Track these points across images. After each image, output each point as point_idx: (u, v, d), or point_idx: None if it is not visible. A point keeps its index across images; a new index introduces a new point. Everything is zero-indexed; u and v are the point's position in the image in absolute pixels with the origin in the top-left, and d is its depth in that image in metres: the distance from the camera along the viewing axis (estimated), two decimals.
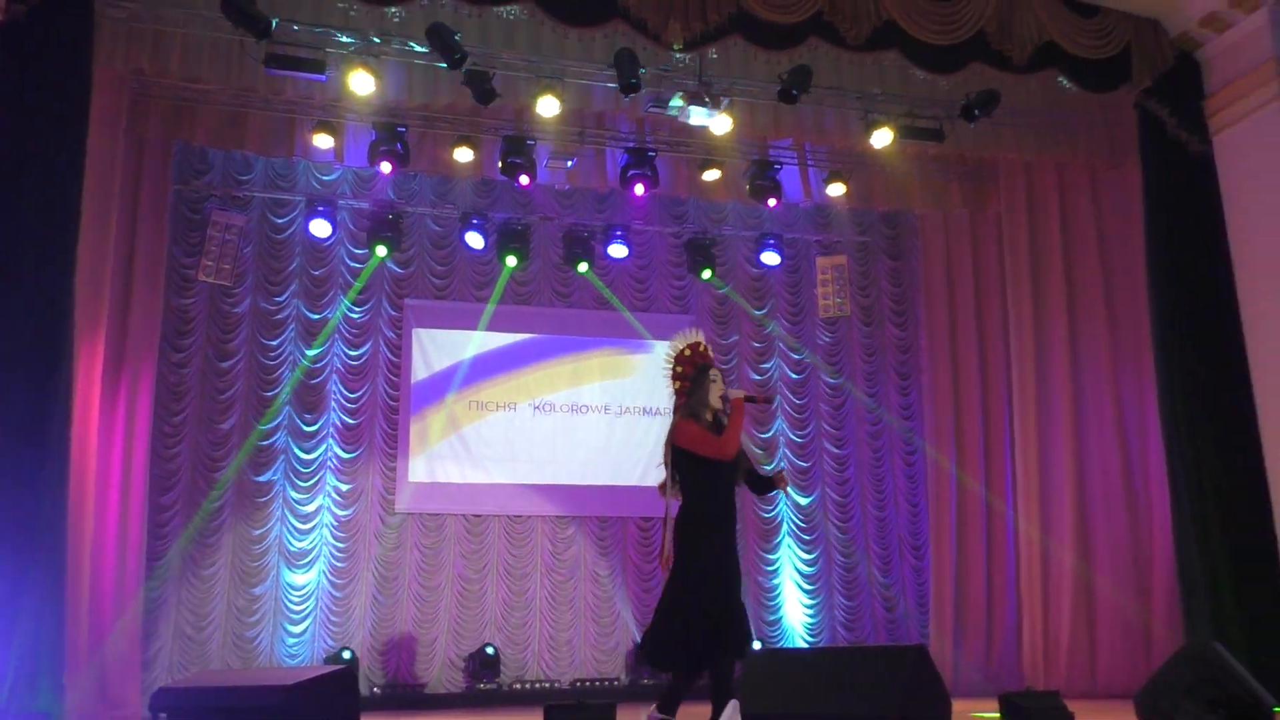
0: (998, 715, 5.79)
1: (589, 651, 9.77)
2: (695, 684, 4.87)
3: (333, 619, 9.24)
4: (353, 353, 9.79)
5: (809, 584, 10.32)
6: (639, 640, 8.22)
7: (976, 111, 8.00)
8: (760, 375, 10.68)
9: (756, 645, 8.71)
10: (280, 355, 9.58)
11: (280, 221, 9.79)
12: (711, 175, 9.42)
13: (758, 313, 10.80)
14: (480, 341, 10.13)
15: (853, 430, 10.72)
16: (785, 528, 10.42)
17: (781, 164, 9.55)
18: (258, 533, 9.23)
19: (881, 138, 8.20)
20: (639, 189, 9.17)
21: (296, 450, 9.47)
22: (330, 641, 9.17)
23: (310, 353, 9.63)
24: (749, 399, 5.15)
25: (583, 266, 10.13)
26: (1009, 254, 9.71)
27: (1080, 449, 9.07)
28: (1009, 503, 9.75)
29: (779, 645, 9.94)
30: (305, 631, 9.17)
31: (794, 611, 10.26)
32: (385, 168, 8.71)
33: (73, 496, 6.79)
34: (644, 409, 10.35)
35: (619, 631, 9.87)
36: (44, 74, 6.64)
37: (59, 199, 6.59)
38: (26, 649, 6.06)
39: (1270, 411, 7.67)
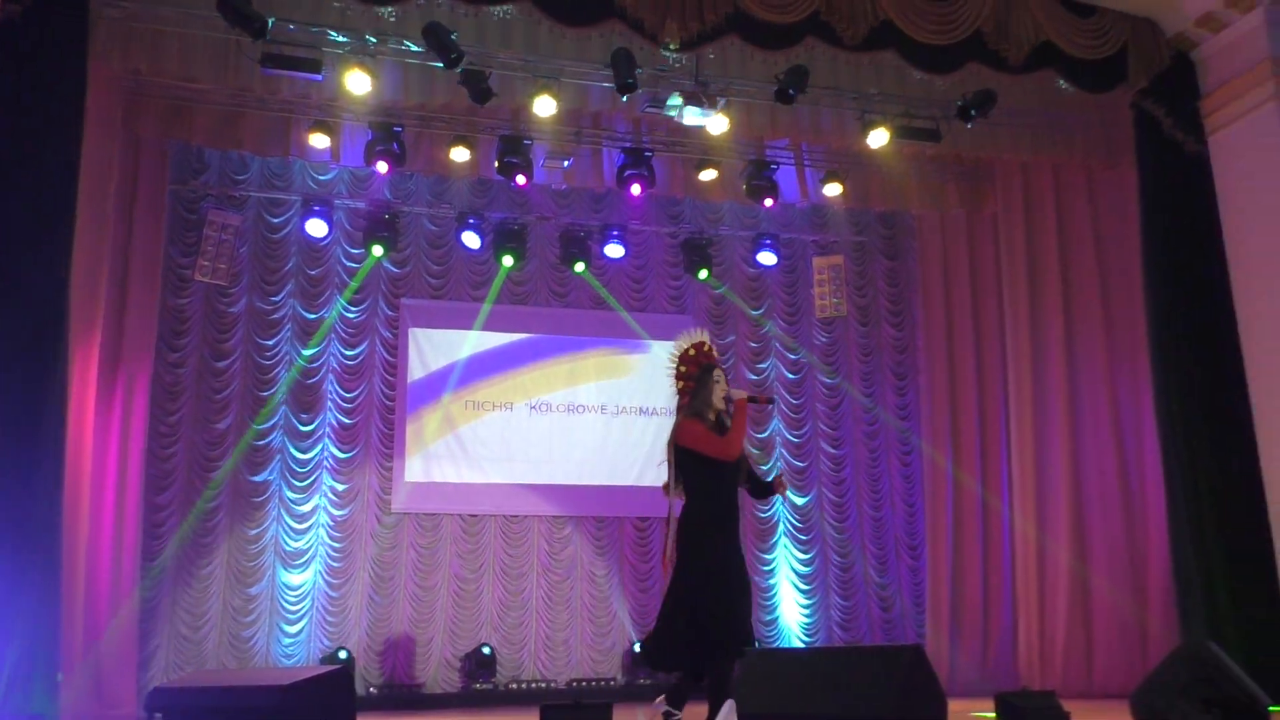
0: (993, 715, 5.79)
1: (585, 651, 9.77)
2: (701, 684, 4.87)
3: (329, 619, 9.23)
4: (349, 352, 9.79)
5: (805, 584, 10.32)
6: (641, 643, 8.22)
7: (973, 112, 8.00)
8: (757, 375, 10.68)
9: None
10: (276, 355, 9.57)
11: (276, 221, 9.78)
12: (708, 175, 9.41)
13: (754, 313, 10.80)
14: (476, 341, 10.12)
15: (849, 430, 10.72)
16: (782, 528, 10.43)
17: (778, 164, 9.55)
18: (254, 533, 9.22)
19: (878, 138, 8.21)
20: (635, 189, 9.16)
21: (292, 450, 9.46)
22: (326, 641, 9.16)
23: (306, 352, 9.62)
24: (751, 399, 5.15)
25: (579, 266, 10.13)
26: (1005, 254, 9.73)
27: (1076, 449, 9.08)
28: (1005, 502, 9.77)
29: (775, 645, 9.94)
30: (301, 631, 9.16)
31: (790, 611, 10.26)
32: (381, 167, 8.70)
33: (68, 497, 6.76)
34: (641, 409, 10.35)
35: (615, 631, 9.87)
36: (39, 73, 6.62)
37: (54, 199, 6.56)
38: (22, 650, 6.04)
39: (1265, 411, 7.68)
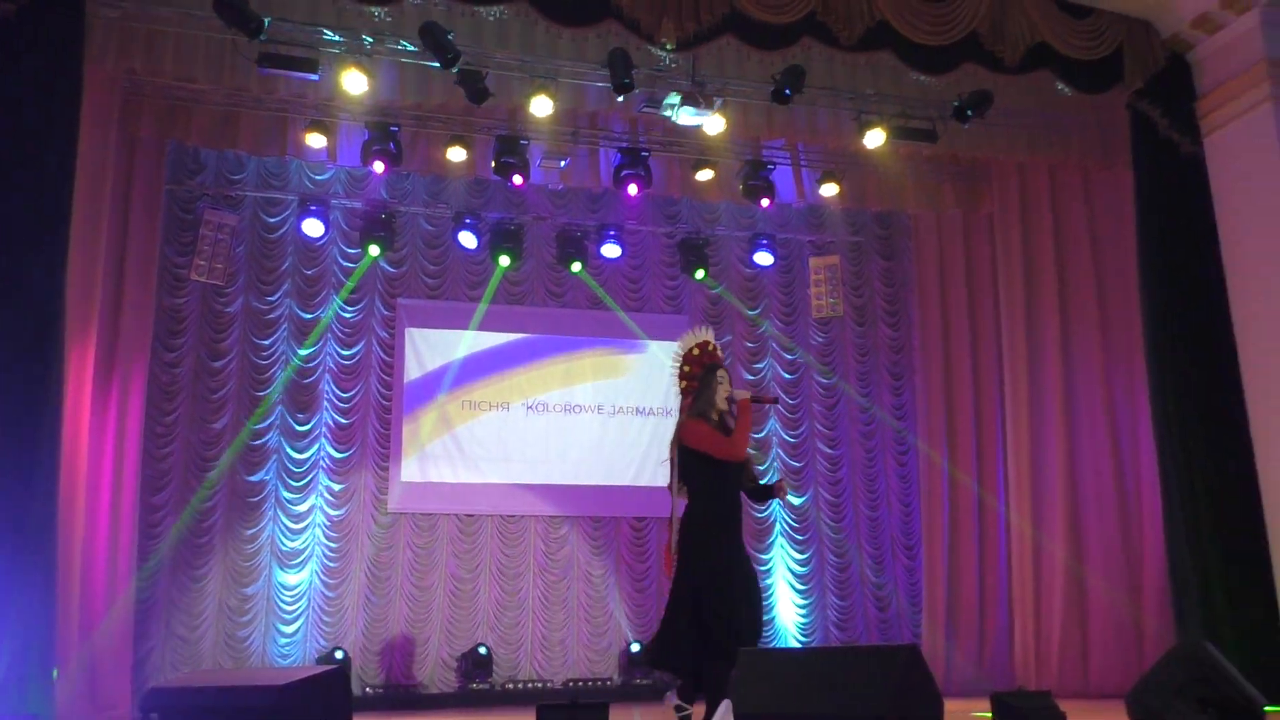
0: (989, 715, 5.80)
1: (582, 651, 9.77)
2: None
3: (325, 619, 9.22)
4: (345, 352, 9.78)
5: (802, 584, 10.33)
6: (643, 644, 8.22)
7: (969, 112, 8.01)
8: (754, 375, 10.69)
9: None
10: (272, 355, 9.56)
11: (273, 221, 9.77)
12: (705, 175, 9.42)
13: (751, 313, 10.81)
14: (473, 341, 10.12)
15: (846, 430, 10.73)
16: (779, 527, 10.43)
17: (774, 164, 9.55)
18: (250, 532, 9.21)
19: (874, 138, 8.21)
20: (632, 189, 9.16)
21: (289, 450, 9.45)
22: (323, 641, 9.15)
23: (302, 352, 9.61)
24: (755, 399, 5.15)
25: (576, 266, 10.13)
26: (1002, 254, 9.75)
27: (1072, 449, 9.10)
28: (1001, 502, 9.78)
29: (772, 645, 9.95)
30: (297, 631, 9.15)
31: (787, 611, 10.27)
32: (378, 167, 8.69)
33: (64, 496, 6.76)
34: (637, 409, 10.35)
35: (612, 631, 9.87)
36: (35, 73, 6.60)
37: (50, 199, 6.55)
38: (17, 650, 6.03)
39: (1261, 412, 7.69)
